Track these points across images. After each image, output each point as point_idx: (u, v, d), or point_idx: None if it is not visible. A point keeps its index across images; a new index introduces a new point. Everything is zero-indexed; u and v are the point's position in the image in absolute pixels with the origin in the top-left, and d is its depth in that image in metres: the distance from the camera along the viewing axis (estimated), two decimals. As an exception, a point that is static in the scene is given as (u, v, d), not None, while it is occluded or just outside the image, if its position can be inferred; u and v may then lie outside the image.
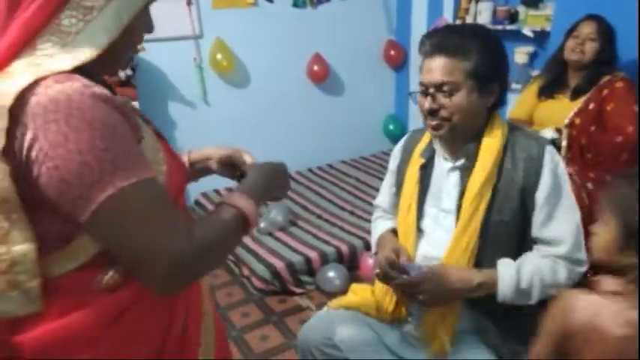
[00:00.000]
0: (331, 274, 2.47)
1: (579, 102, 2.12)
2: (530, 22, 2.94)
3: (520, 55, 3.00)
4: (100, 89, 0.65)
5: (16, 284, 0.67)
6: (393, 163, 1.48)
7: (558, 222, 1.20)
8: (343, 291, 2.29)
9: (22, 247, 0.65)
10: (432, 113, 1.22)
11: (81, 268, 0.70)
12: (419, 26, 3.73)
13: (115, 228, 0.66)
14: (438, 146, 1.32)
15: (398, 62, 3.94)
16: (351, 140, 3.98)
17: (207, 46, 3.19)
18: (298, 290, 2.51)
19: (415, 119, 3.93)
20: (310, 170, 3.75)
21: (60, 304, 0.70)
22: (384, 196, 1.52)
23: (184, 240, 0.69)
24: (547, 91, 2.25)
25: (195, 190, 3.33)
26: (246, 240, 2.71)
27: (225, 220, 0.77)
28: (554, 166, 1.21)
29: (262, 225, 2.75)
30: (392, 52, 3.91)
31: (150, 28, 0.77)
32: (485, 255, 1.21)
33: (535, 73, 2.74)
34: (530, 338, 1.23)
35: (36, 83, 0.62)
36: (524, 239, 1.24)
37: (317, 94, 3.79)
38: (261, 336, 2.22)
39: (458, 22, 3.33)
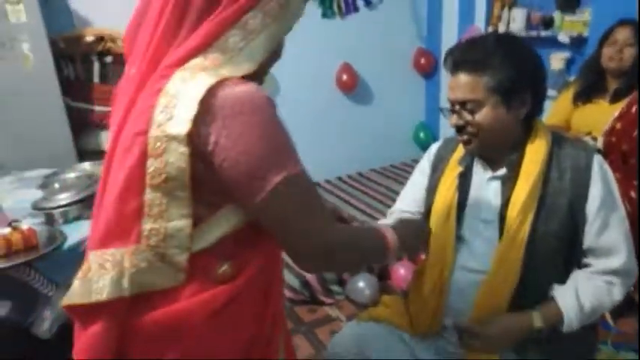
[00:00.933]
0: (361, 284, 2.44)
1: (618, 106, 2.06)
2: (567, 27, 2.87)
3: (556, 61, 2.93)
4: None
5: (164, 257, 0.76)
6: (425, 163, 1.42)
7: (613, 231, 1.17)
8: (373, 301, 2.27)
9: (177, 222, 0.75)
10: (459, 130, 1.21)
11: (207, 253, 0.78)
12: (450, 34, 3.70)
13: (283, 208, 0.76)
14: (475, 157, 1.29)
15: (428, 70, 3.91)
16: (381, 149, 3.96)
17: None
18: (328, 300, 2.49)
19: (446, 127, 3.86)
20: (340, 179, 3.75)
21: (188, 288, 0.78)
22: (405, 198, 1.46)
23: (335, 229, 0.83)
24: (584, 97, 2.20)
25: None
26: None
27: (369, 235, 0.93)
28: (603, 175, 1.18)
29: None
30: (422, 60, 3.89)
31: (280, 54, 0.89)
32: (531, 269, 1.17)
33: (572, 79, 2.67)
34: (570, 356, 1.19)
35: (218, 84, 0.72)
36: (571, 252, 1.20)
37: (346, 104, 3.80)
38: (290, 346, 2.21)
39: (490, 29, 3.28)
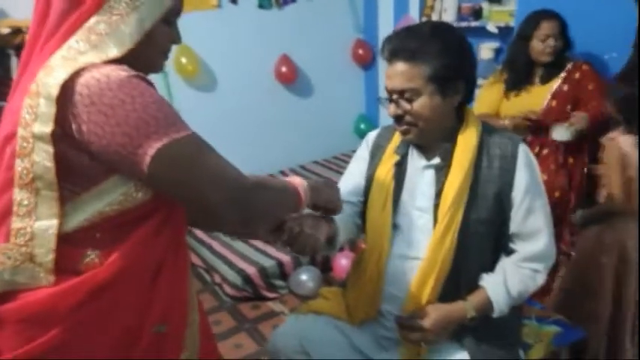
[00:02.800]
0: (304, 277, 2.45)
1: (549, 86, 2.25)
2: (495, 18, 2.98)
3: (485, 50, 3.03)
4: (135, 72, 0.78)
5: (32, 256, 0.78)
6: (364, 151, 1.42)
7: (537, 216, 1.23)
8: (317, 294, 2.27)
9: (44, 222, 0.77)
10: (397, 119, 1.22)
11: (71, 244, 0.80)
12: (386, 24, 3.73)
13: (174, 171, 0.78)
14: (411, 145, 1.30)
15: (367, 61, 3.94)
16: (322, 141, 3.95)
17: (171, 50, 3.11)
18: (271, 295, 2.48)
19: (386, 118, 3.92)
20: (282, 172, 3.72)
21: (56, 281, 0.80)
22: (344, 188, 1.42)
23: (241, 175, 0.84)
24: (516, 88, 2.31)
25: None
26: (217, 246, 2.67)
27: (278, 180, 1.00)
28: (528, 163, 1.23)
29: (233, 230, 2.71)
30: (360, 52, 3.91)
31: (176, 40, 0.92)
32: (463, 254, 1.21)
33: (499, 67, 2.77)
34: (501, 339, 1.25)
35: (77, 74, 0.74)
36: (500, 237, 1.25)
37: (286, 96, 3.76)
38: (234, 344, 2.17)
39: (424, 19, 3.35)
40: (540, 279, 1.26)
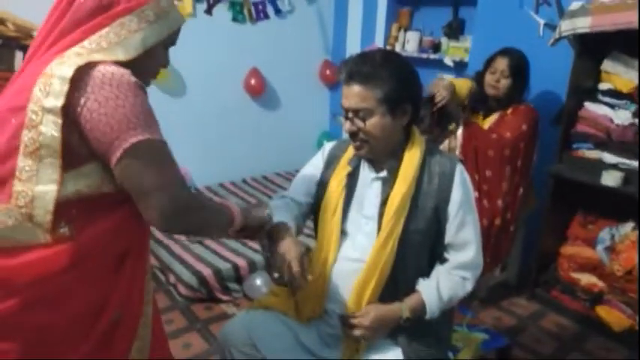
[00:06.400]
0: (258, 281, 2.51)
1: (490, 120, 2.42)
2: (451, 52, 3.20)
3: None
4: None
5: (32, 217, 0.86)
6: (319, 159, 1.52)
7: (468, 229, 1.36)
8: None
9: (45, 187, 0.86)
10: (352, 135, 1.34)
11: (60, 209, 0.88)
12: (353, 49, 3.91)
13: (138, 167, 0.87)
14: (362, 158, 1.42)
15: (333, 81, 4.10)
16: (286, 153, 4.06)
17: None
18: (225, 297, 2.52)
19: (347, 136, 4.07)
20: (244, 181, 3.79)
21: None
22: (296, 188, 1.54)
23: (187, 191, 0.94)
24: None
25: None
26: (174, 247, 2.70)
27: (217, 204, 1.10)
28: (463, 182, 1.36)
29: (192, 233, 2.75)
30: (327, 72, 4.07)
31: (165, 64, 1.06)
32: (402, 259, 1.33)
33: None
34: (431, 339, 1.38)
35: (87, 65, 0.86)
36: (435, 246, 1.37)
37: (253, 107, 3.85)
38: (184, 344, 2.20)
39: (388, 48, 3.55)
40: (469, 286, 1.38)
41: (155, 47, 0.98)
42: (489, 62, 2.40)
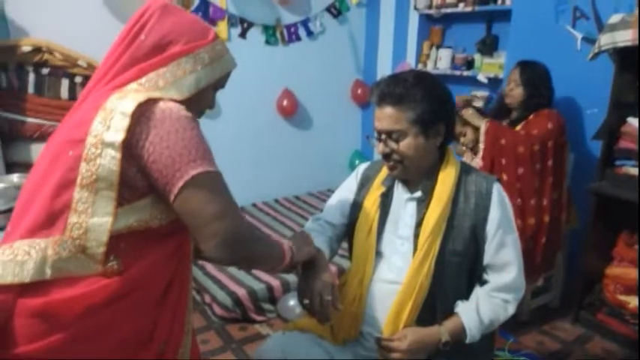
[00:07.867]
0: (292, 302, 2.50)
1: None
2: (485, 69, 3.16)
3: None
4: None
5: (85, 248, 0.89)
6: (353, 181, 1.53)
7: (508, 249, 1.32)
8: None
9: (100, 219, 0.88)
10: (385, 156, 1.34)
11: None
12: (384, 68, 3.94)
13: (198, 197, 0.89)
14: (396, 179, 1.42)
15: (365, 101, 4.11)
16: (318, 173, 4.08)
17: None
18: (259, 318, 2.52)
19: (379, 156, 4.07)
20: (277, 201, 3.82)
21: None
22: (331, 210, 1.54)
23: (244, 223, 0.96)
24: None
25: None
26: (209, 268, 2.74)
27: (271, 238, 1.11)
28: (501, 200, 1.33)
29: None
30: (359, 91, 4.09)
31: (212, 106, 1.09)
32: (440, 280, 1.30)
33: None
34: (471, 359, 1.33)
35: (147, 102, 0.89)
36: (474, 267, 1.34)
37: (286, 128, 3.90)
38: (220, 363, 2.22)
39: (420, 66, 3.54)
40: (511, 309, 1.34)
41: (206, 89, 1.02)
42: (509, 74, 2.49)
